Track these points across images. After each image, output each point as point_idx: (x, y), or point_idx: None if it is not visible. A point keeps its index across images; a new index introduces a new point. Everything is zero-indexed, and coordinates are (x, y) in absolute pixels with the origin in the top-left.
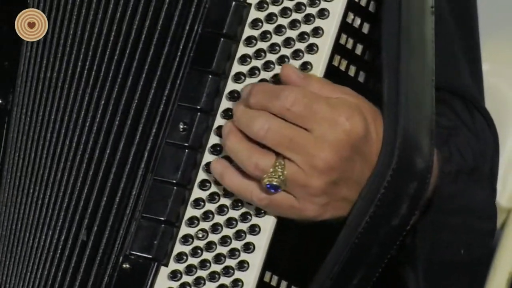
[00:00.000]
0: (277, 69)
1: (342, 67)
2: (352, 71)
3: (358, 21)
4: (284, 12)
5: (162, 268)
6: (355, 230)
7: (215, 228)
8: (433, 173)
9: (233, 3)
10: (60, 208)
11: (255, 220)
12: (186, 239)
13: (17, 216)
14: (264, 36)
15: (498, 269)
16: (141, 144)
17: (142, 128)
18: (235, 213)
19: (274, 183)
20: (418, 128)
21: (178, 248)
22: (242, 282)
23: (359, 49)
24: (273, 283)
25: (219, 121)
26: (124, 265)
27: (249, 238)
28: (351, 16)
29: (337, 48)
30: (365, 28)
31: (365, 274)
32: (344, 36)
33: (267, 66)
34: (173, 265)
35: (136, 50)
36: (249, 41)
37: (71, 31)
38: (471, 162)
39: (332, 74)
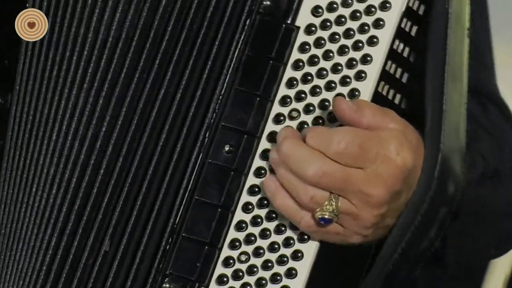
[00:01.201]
0: (324, 94)
1: (384, 92)
2: (390, 94)
3: (401, 47)
4: (333, 37)
5: None
6: (390, 257)
7: (257, 252)
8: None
9: (283, 26)
10: (67, 210)
11: (298, 245)
12: (228, 261)
13: (18, 215)
14: (312, 60)
15: (495, 271)
16: (180, 162)
17: (164, 141)
18: (278, 238)
19: (326, 216)
20: (454, 153)
21: (220, 270)
22: None
23: (401, 75)
24: None
25: (264, 144)
26: (164, 285)
27: (292, 263)
28: (397, 42)
29: (383, 75)
30: (407, 53)
31: None
32: (389, 63)
33: (314, 90)
34: (213, 287)
35: (169, 63)
36: (297, 64)
37: (72, 31)
38: (492, 164)
39: (377, 100)
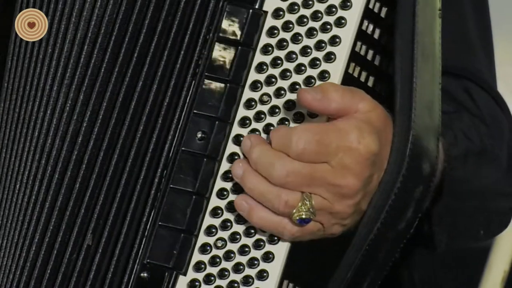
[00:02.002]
0: (294, 78)
1: (356, 74)
2: (362, 76)
3: (371, 27)
4: (301, 20)
5: (181, 277)
6: (366, 238)
7: (234, 237)
8: (440, 160)
9: (250, 11)
10: (50, 207)
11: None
12: (205, 248)
13: (2, 212)
14: (281, 44)
15: (493, 268)
16: (156, 152)
17: (141, 133)
18: None
19: (304, 216)
20: (427, 133)
21: (197, 257)
22: None
23: (372, 56)
24: None
25: (236, 129)
26: (142, 274)
27: (268, 247)
28: (365, 23)
29: (353, 56)
30: (377, 34)
31: (373, 278)
32: (359, 44)
33: (284, 74)
34: (191, 274)
35: (146, 55)
36: (266, 49)
37: (54, 27)
38: (478, 143)
39: (348, 81)
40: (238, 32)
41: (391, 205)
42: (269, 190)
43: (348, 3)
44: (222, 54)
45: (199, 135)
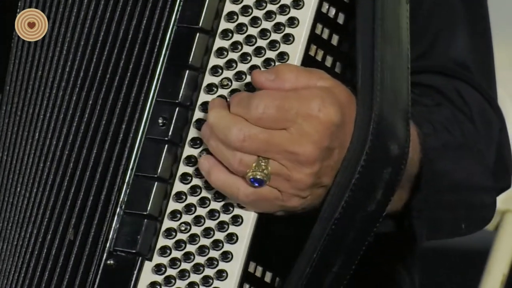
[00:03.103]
0: (254, 61)
1: (319, 57)
2: (328, 61)
3: (333, 11)
4: (259, 4)
5: (146, 263)
6: (331, 216)
7: (198, 220)
8: (415, 149)
9: None
10: (46, 207)
11: (237, 211)
12: (169, 232)
13: (3, 215)
14: (240, 28)
15: (492, 271)
16: (124, 141)
17: (126, 126)
18: (217, 205)
19: (258, 177)
20: (393, 115)
21: (162, 242)
22: (227, 273)
23: (335, 40)
24: (258, 274)
25: (198, 114)
26: (108, 262)
27: (232, 228)
28: (326, 6)
29: (313, 38)
30: (341, 19)
31: (344, 261)
32: (319, 26)
33: (244, 58)
34: (157, 259)
35: (113, 50)
36: (225, 34)
37: (61, 31)
38: (459, 137)
39: (309, 64)
40: (199, 20)
41: (355, 184)
42: (226, 148)
43: None
44: (183, 40)
45: (160, 121)
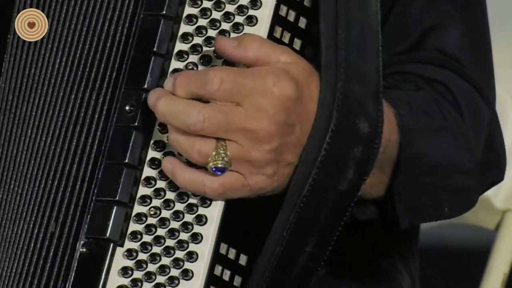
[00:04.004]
0: None
1: (285, 40)
2: (297, 44)
3: None
4: None
5: (118, 248)
6: (299, 194)
7: (167, 204)
8: (392, 131)
9: None
10: (35, 203)
11: None
12: (140, 217)
13: None
14: (204, 13)
15: (492, 271)
16: (97, 131)
17: (98, 116)
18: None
19: (219, 165)
20: (362, 93)
21: (132, 227)
22: (197, 255)
23: (303, 23)
24: (231, 256)
25: None
26: (82, 249)
27: (201, 210)
28: None
29: (278, 20)
30: (308, 2)
31: (318, 242)
32: (284, 8)
33: (209, 42)
34: (128, 244)
35: (98, 45)
36: (190, 19)
37: (58, 31)
38: (440, 121)
39: None
40: (163, 7)
41: (322, 161)
42: (183, 139)
43: None
44: (148, 28)
45: (127, 108)
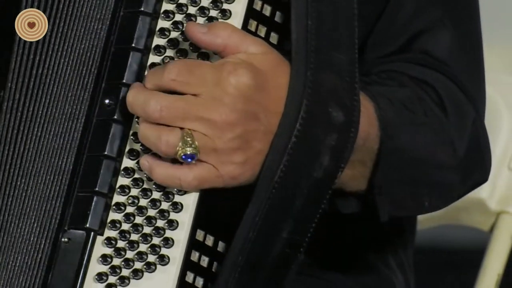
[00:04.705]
0: None
1: (262, 34)
2: (274, 38)
3: None
4: None
5: (98, 237)
6: (271, 180)
7: (145, 193)
8: (372, 124)
9: None
10: (36, 198)
11: None
12: (119, 207)
13: (5, 207)
14: (181, 8)
15: (487, 271)
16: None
17: (86, 112)
18: None
19: (189, 152)
20: (334, 82)
21: (112, 216)
22: (173, 240)
23: (279, 17)
24: (209, 243)
25: None
26: (63, 239)
27: (177, 198)
28: None
29: (252, 13)
30: None
31: (295, 228)
32: (259, 2)
33: (185, 36)
34: (107, 233)
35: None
36: (167, 15)
37: (64, 30)
38: (421, 117)
39: None
40: (141, 4)
41: (293, 148)
42: (151, 133)
43: None
44: (127, 24)
45: (107, 102)
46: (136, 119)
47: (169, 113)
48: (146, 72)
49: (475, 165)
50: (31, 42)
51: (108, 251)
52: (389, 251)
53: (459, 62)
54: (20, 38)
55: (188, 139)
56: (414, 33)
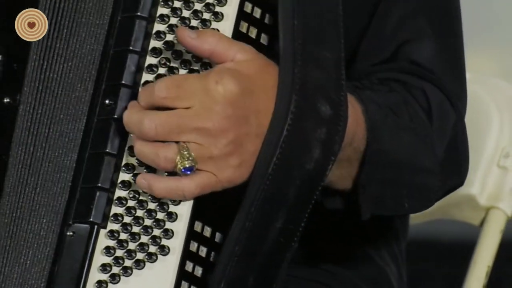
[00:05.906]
0: None
1: (252, 35)
2: (264, 39)
3: None
4: None
5: (102, 230)
6: (265, 172)
7: None
8: (360, 125)
9: None
10: (47, 195)
11: None
12: (120, 201)
13: (17, 205)
14: (175, 12)
15: (477, 263)
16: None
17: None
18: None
19: (187, 165)
20: (321, 78)
21: (114, 210)
22: (172, 232)
23: (268, 19)
24: (207, 234)
25: None
26: (68, 233)
27: None
28: None
29: (243, 16)
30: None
31: (289, 217)
32: (249, 5)
33: None
34: (110, 226)
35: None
36: (162, 18)
37: (63, 36)
38: (406, 121)
39: (242, 41)
40: (138, 8)
41: (285, 141)
42: (148, 150)
43: None
44: (124, 28)
45: (107, 101)
46: None
47: (164, 129)
48: (143, 73)
49: (453, 170)
50: (41, 48)
51: (111, 243)
52: (383, 244)
53: (443, 70)
54: (35, 44)
55: (185, 152)
56: (400, 42)
